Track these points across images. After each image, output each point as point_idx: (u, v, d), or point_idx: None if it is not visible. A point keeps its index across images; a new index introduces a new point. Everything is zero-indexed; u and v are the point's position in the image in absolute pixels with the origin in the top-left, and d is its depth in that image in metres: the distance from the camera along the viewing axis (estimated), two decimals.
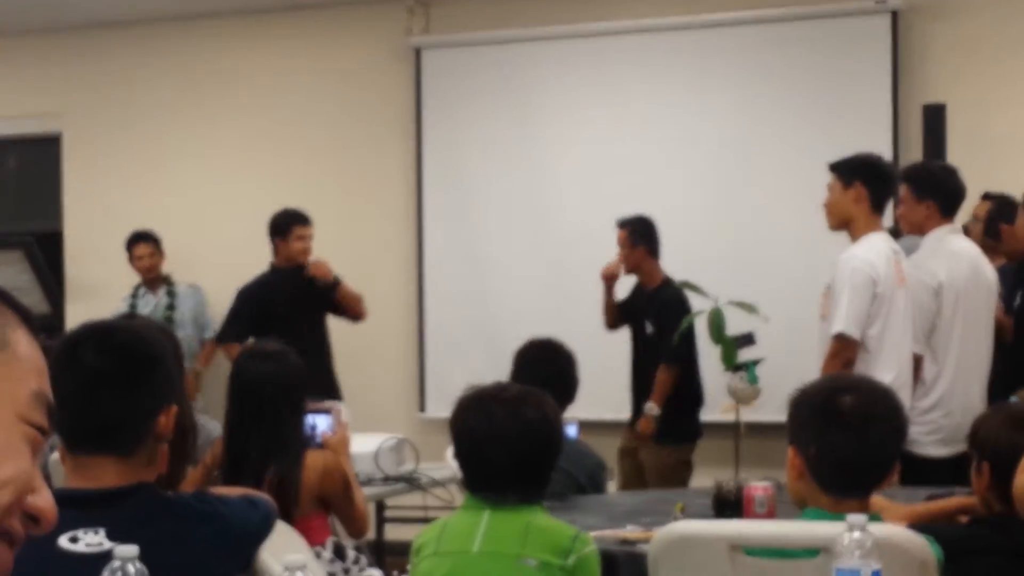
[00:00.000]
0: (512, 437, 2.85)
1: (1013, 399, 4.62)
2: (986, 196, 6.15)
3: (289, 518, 3.73)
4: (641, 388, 6.58)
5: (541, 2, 7.96)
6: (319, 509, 4.04)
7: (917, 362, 4.98)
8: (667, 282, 6.68)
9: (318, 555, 3.92)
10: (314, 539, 3.92)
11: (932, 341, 5.08)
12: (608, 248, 7.61)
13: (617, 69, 7.74)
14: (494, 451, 2.86)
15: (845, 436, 2.62)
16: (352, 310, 7.21)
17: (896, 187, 5.10)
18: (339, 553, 4.05)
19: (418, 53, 8.13)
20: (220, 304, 8.13)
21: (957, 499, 3.50)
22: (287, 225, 7.08)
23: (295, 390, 4.00)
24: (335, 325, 7.47)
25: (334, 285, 7.08)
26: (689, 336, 6.34)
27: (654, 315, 6.67)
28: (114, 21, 8.71)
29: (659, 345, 6.52)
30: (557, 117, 7.84)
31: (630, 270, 6.83)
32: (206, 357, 8.05)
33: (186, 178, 8.67)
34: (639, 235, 6.78)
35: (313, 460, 3.98)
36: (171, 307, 8.08)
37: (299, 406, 4.03)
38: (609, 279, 6.76)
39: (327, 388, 6.73)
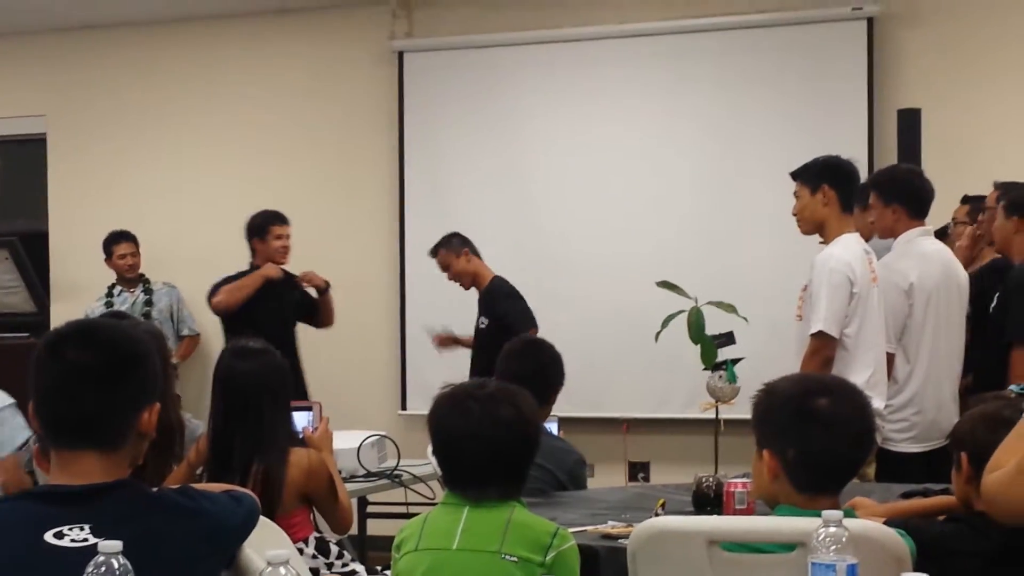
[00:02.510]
0: (488, 434, 2.87)
1: (1014, 388, 4.62)
2: (965, 199, 6.19)
3: (272, 514, 3.76)
4: None
5: (522, 7, 7.99)
6: (301, 505, 4.06)
7: (889, 361, 5.03)
8: (495, 279, 6.93)
9: (300, 551, 3.93)
10: (296, 534, 3.95)
11: (904, 340, 5.13)
12: (588, 247, 7.68)
13: (596, 73, 7.79)
14: (471, 448, 2.88)
15: (824, 438, 2.65)
16: (328, 317, 7.29)
17: (859, 184, 5.14)
18: (321, 549, 4.07)
19: (401, 56, 8.17)
20: (200, 303, 8.15)
21: (938, 499, 3.53)
22: (265, 225, 7.08)
23: (279, 387, 4.02)
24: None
25: (325, 290, 7.14)
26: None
27: (486, 309, 6.87)
28: (99, 24, 8.72)
29: (495, 335, 6.60)
30: (537, 119, 7.89)
31: (470, 284, 7.01)
32: (183, 353, 8.11)
33: (171, 179, 8.68)
34: (467, 245, 6.98)
35: (298, 458, 3.99)
36: (149, 304, 8.13)
37: (283, 403, 4.06)
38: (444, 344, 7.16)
39: (300, 389, 6.79)
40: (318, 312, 7.24)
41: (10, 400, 4.57)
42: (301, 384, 7.03)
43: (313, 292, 7.21)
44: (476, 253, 7.02)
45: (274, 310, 6.97)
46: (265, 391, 3.95)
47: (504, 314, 6.80)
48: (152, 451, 2.53)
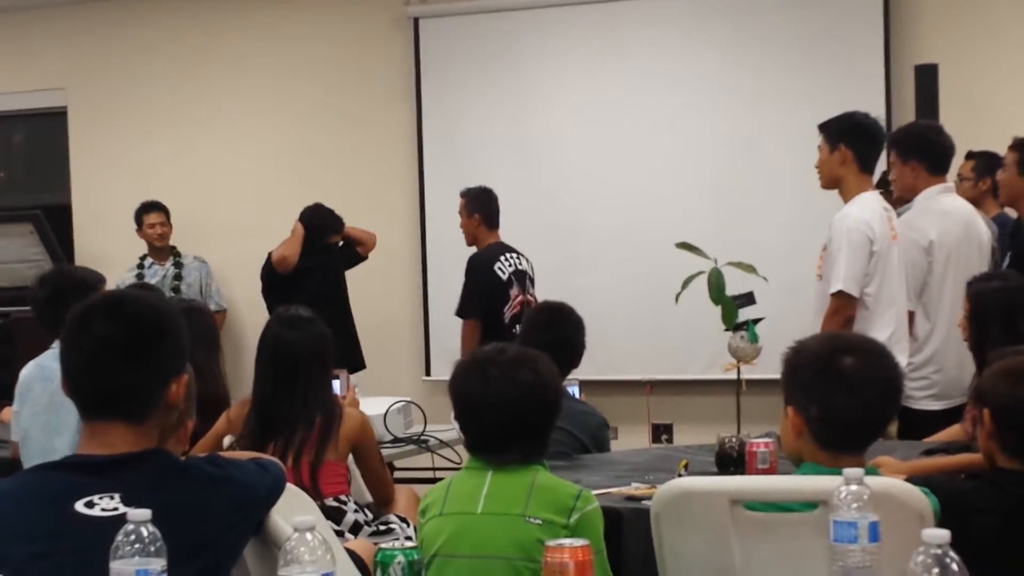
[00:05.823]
0: (508, 399, 2.87)
1: None
2: (970, 155, 6.16)
3: (317, 465, 3.91)
4: None
5: None
6: (345, 461, 4.14)
7: (909, 319, 5.02)
8: (479, 251, 6.86)
9: (344, 503, 4.03)
10: (340, 487, 4.05)
11: (924, 298, 5.12)
12: (606, 209, 7.67)
13: (612, 35, 7.77)
14: (491, 414, 2.89)
15: (847, 397, 2.66)
16: (363, 245, 7.53)
17: (882, 144, 5.11)
18: (360, 507, 4.16)
19: (416, 22, 8.16)
20: (224, 275, 8.20)
21: (960, 456, 3.54)
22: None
23: (326, 355, 4.14)
24: None
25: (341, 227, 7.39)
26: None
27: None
28: None
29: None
30: (554, 83, 7.88)
31: (470, 241, 6.95)
32: None
33: (191, 150, 8.70)
34: (475, 204, 6.89)
35: (352, 410, 4.18)
36: (178, 277, 8.16)
37: (328, 371, 4.19)
38: None
39: (357, 356, 7.34)
40: (354, 248, 7.44)
41: None
42: (357, 350, 7.39)
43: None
44: (490, 219, 6.92)
45: (322, 280, 7.25)
46: (314, 359, 4.08)
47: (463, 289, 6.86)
48: (198, 418, 2.60)
